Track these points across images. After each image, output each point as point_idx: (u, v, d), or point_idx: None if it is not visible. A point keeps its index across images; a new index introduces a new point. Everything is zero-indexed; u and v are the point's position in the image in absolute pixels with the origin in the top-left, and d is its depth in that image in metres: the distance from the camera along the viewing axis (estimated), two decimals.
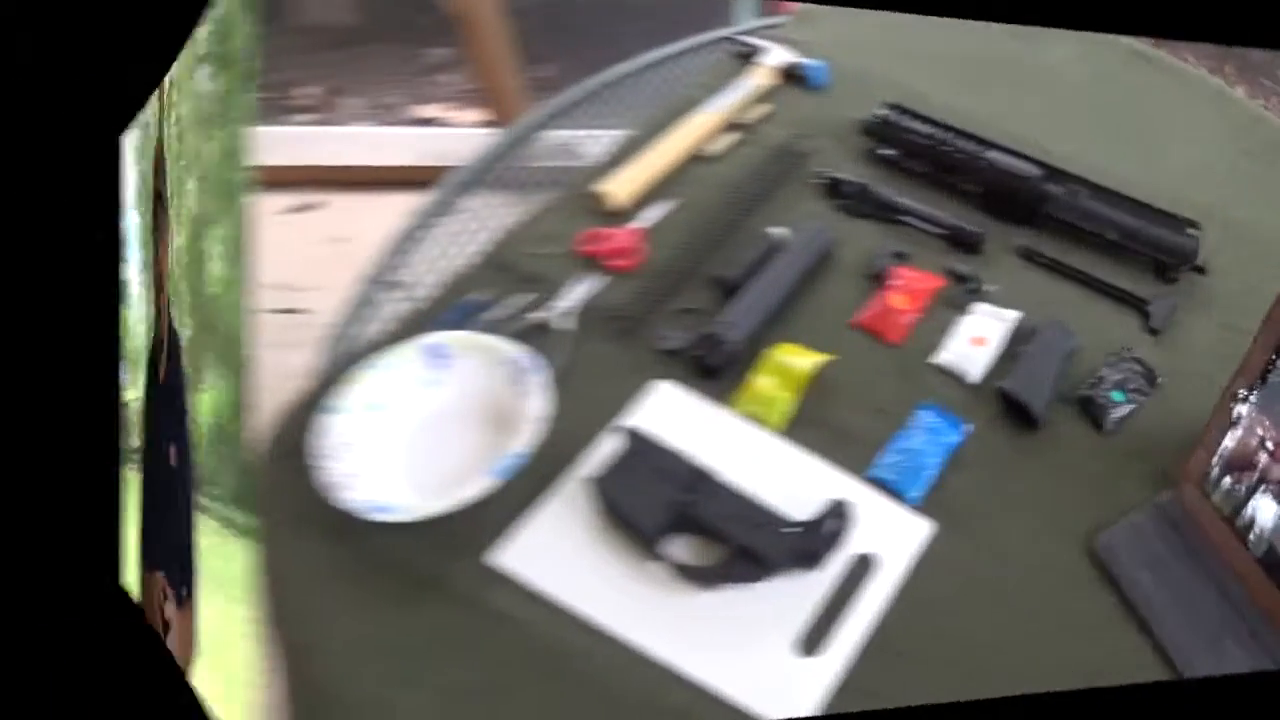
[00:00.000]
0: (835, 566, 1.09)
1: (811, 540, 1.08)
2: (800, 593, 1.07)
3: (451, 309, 1.29)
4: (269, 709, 0.98)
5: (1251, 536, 1.12)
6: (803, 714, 0.98)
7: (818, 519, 1.10)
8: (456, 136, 3.07)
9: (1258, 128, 1.81)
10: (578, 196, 1.49)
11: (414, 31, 3.35)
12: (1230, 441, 1.17)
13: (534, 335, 1.26)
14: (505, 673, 0.98)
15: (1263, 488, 1.12)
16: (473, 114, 3.12)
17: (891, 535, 1.14)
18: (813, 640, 1.04)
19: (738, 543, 1.06)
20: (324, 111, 3.12)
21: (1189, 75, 1.96)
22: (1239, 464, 1.15)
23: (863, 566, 1.11)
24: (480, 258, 1.39)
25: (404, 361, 1.16)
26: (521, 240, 1.42)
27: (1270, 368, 1.14)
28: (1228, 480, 1.16)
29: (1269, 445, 1.12)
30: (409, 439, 1.12)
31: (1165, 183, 1.64)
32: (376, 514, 1.01)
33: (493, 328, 1.25)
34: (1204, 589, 1.14)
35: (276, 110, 2.96)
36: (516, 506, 1.09)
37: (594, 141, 1.72)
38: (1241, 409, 1.17)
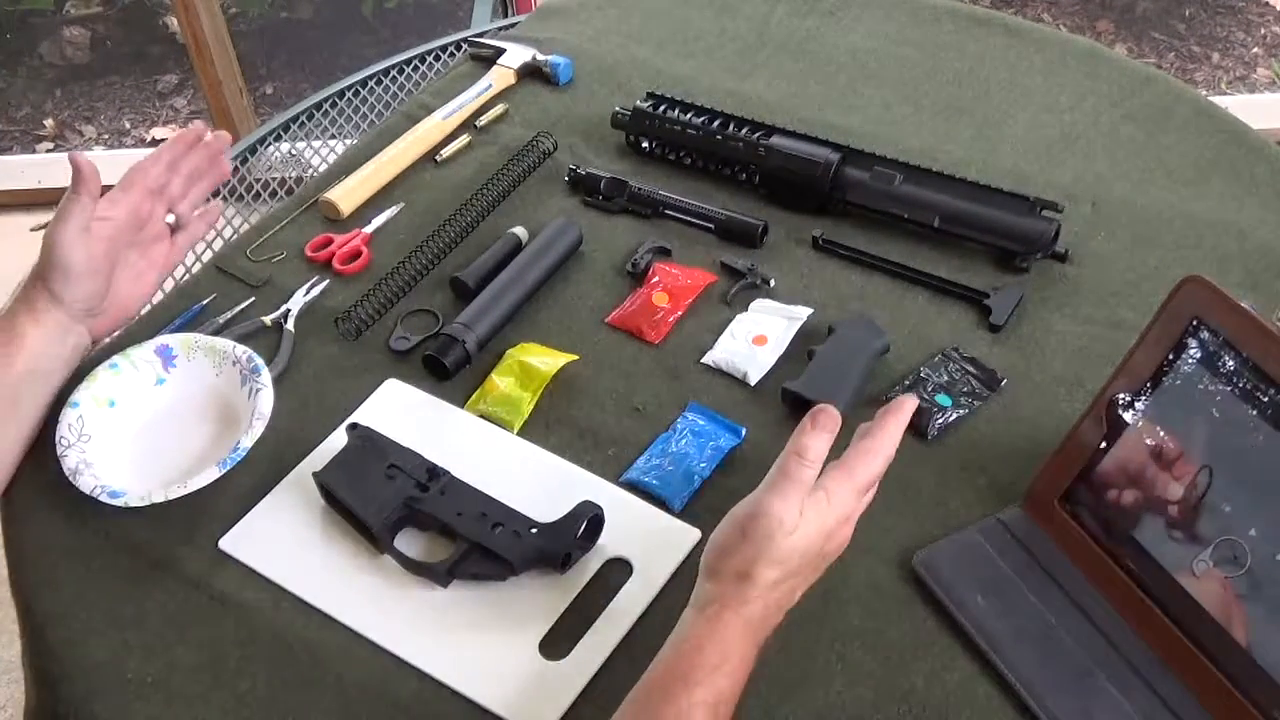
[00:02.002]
0: (586, 570, 1.07)
1: (555, 542, 1.05)
2: (547, 595, 1.05)
3: (183, 313, 1.34)
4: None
5: (1134, 562, 1.00)
6: (543, 715, 0.96)
7: (562, 521, 1.06)
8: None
9: (1145, 89, 1.66)
10: (306, 204, 1.50)
11: (146, 61, 3.76)
12: (1108, 452, 1.03)
13: (262, 337, 1.31)
14: (230, 651, 1.02)
15: (1152, 506, 0.99)
16: None
17: (652, 541, 1.09)
18: (559, 644, 1.02)
19: (470, 541, 1.05)
20: (63, 140, 3.53)
21: (1044, 36, 1.79)
22: (1120, 479, 1.02)
23: (617, 572, 1.07)
24: (211, 265, 1.44)
25: (137, 361, 1.22)
26: (251, 247, 1.44)
27: (1165, 368, 1.00)
28: (1102, 497, 1.03)
29: (1163, 458, 0.99)
30: (141, 432, 1.20)
31: (1016, 160, 1.54)
32: (110, 499, 1.10)
33: (222, 330, 1.31)
34: (1063, 618, 1.01)
35: (21, 141, 3.54)
36: (247, 497, 1.14)
37: (326, 150, 1.81)
38: (1126, 413, 1.02)
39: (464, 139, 1.59)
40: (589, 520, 1.05)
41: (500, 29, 1.90)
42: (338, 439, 1.17)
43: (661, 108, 1.53)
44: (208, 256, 1.52)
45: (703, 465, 1.14)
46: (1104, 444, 1.03)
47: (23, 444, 1.16)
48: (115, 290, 1.22)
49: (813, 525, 0.90)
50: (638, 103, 1.54)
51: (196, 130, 1.32)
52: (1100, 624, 1.00)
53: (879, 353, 1.24)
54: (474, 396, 1.23)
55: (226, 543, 1.10)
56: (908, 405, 0.97)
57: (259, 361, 1.20)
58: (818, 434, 0.92)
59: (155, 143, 3.43)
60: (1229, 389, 0.94)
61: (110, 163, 3.28)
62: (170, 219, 1.31)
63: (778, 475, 0.92)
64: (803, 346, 1.26)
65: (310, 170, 1.74)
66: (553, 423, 1.20)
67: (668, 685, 0.87)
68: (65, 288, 1.17)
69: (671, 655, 0.89)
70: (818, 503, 0.91)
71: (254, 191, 1.74)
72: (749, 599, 0.89)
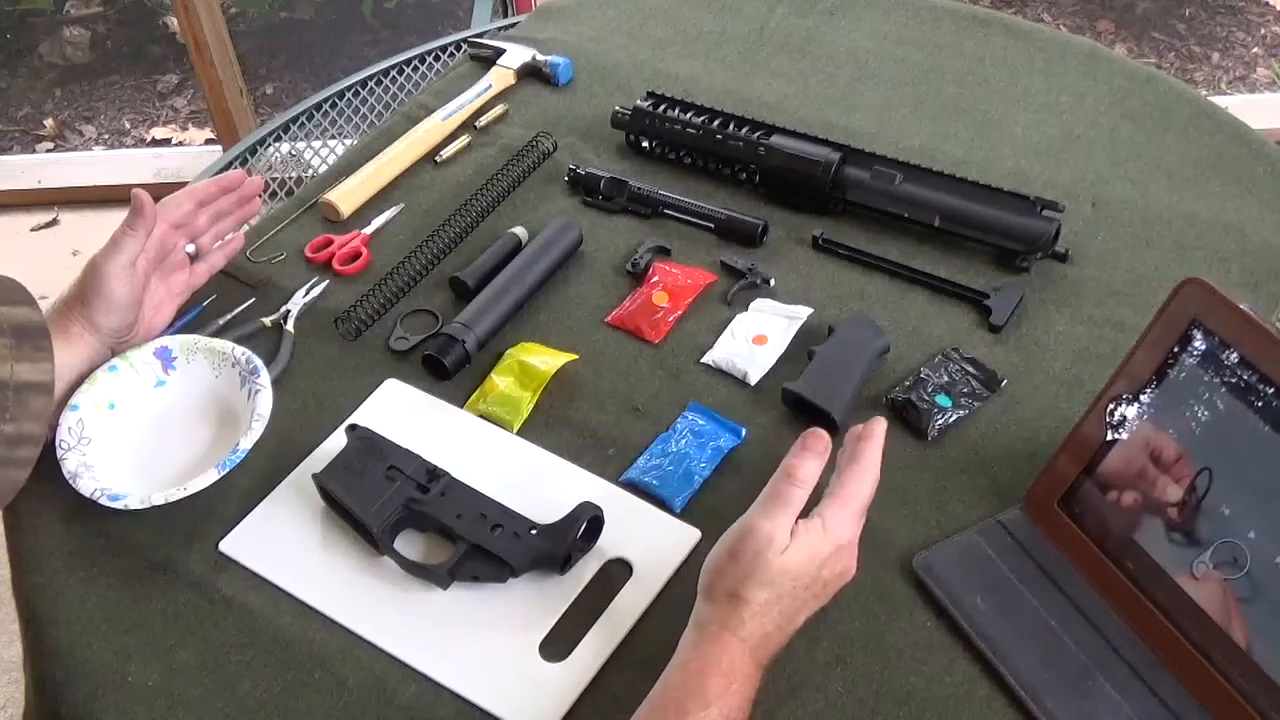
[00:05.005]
0: (586, 571, 1.06)
1: (554, 543, 1.04)
2: (547, 596, 1.05)
3: (183, 314, 1.33)
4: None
5: (1133, 564, 1.00)
6: (543, 718, 0.96)
7: (561, 522, 1.06)
8: (187, 154, 3.37)
9: (1145, 89, 1.65)
10: (306, 205, 1.50)
11: (146, 61, 3.74)
12: (1107, 454, 1.03)
13: (262, 337, 1.31)
14: (230, 654, 1.02)
15: (1152, 508, 0.99)
16: (202, 133, 3.47)
17: (651, 541, 1.09)
18: (558, 645, 1.01)
19: (470, 542, 1.05)
20: (63, 140, 3.52)
21: (1044, 36, 1.79)
22: (1119, 481, 1.02)
23: (617, 572, 1.07)
24: None
25: (136, 364, 1.22)
26: (252, 248, 1.43)
27: (1165, 370, 0.99)
28: (1103, 499, 1.03)
29: (1162, 460, 0.99)
30: (141, 434, 1.20)
31: (1017, 160, 1.54)
32: (110, 501, 1.10)
33: (222, 331, 1.31)
34: (1063, 620, 1.01)
35: (21, 141, 3.52)
36: (247, 499, 1.14)
37: (326, 151, 1.82)
38: (1126, 414, 1.02)
39: (464, 139, 1.58)
40: (589, 521, 1.05)
41: (500, 29, 1.90)
42: (337, 440, 1.17)
43: (661, 107, 1.52)
44: None
45: (703, 465, 1.13)
46: (1104, 445, 1.03)
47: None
48: (139, 318, 1.24)
49: (804, 550, 0.92)
50: (638, 102, 1.54)
51: (235, 177, 1.34)
52: (1100, 625, 1.00)
53: (879, 353, 1.24)
54: (474, 396, 1.22)
55: (227, 545, 1.10)
56: (879, 428, 1.01)
57: (258, 362, 1.20)
58: (807, 456, 0.96)
59: (155, 143, 3.43)
60: (1229, 391, 0.94)
61: (110, 163, 3.31)
62: (190, 249, 1.31)
63: (767, 496, 0.95)
64: (803, 346, 1.25)
65: (310, 171, 1.74)
66: (553, 423, 1.20)
67: (680, 703, 0.87)
68: (106, 317, 1.19)
69: (677, 677, 0.90)
70: (813, 529, 0.94)
71: None
72: (744, 619, 0.90)
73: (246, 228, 1.43)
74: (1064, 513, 1.05)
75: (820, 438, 0.97)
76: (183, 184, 1.70)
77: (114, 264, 1.17)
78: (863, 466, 0.98)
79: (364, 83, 1.91)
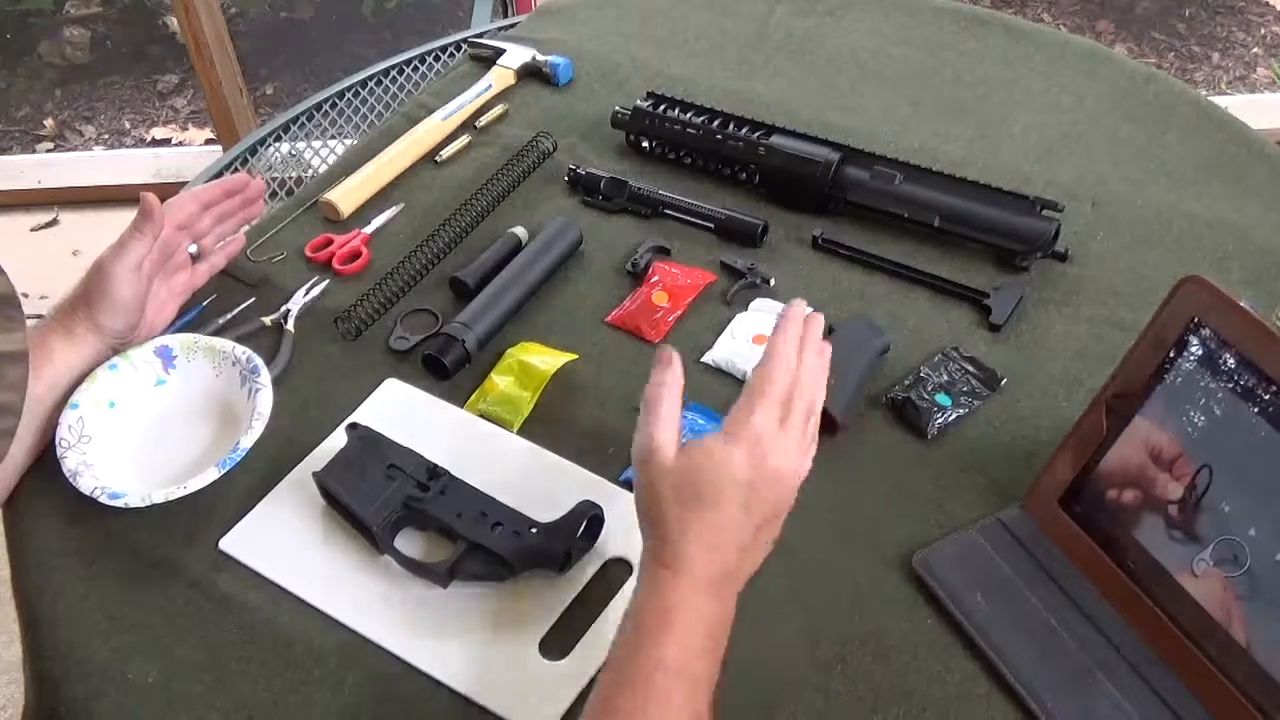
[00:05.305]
0: (586, 570, 1.06)
1: (554, 542, 1.04)
2: (547, 595, 1.05)
3: (184, 313, 1.33)
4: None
5: (1134, 562, 1.00)
6: (543, 715, 0.96)
7: (561, 520, 1.06)
8: (187, 154, 3.37)
9: (1146, 88, 1.66)
10: (307, 205, 1.51)
11: (146, 61, 3.74)
12: (1107, 452, 1.03)
13: (262, 337, 1.31)
14: (230, 652, 1.02)
15: (1152, 506, 0.99)
16: (202, 133, 3.47)
17: None
18: (558, 644, 1.01)
19: (470, 541, 1.05)
20: (63, 140, 3.52)
21: (1044, 36, 1.80)
22: (1119, 479, 1.02)
23: (617, 572, 1.07)
24: None
25: (137, 362, 1.22)
26: (252, 248, 1.43)
27: (1165, 368, 0.99)
28: (1102, 497, 1.03)
29: (1162, 458, 0.99)
30: (142, 433, 1.20)
31: (1017, 160, 1.54)
32: (110, 500, 1.10)
33: (223, 330, 1.31)
34: (1063, 618, 1.01)
35: (21, 141, 3.52)
36: (247, 498, 1.14)
37: (326, 151, 1.82)
38: (1126, 413, 1.01)
39: (464, 139, 1.59)
40: (589, 520, 1.05)
41: (500, 29, 1.90)
42: (337, 439, 1.17)
43: (661, 107, 1.53)
44: None
45: None
46: (1104, 444, 1.03)
47: (34, 455, 1.16)
48: (142, 318, 1.24)
49: (696, 455, 0.89)
50: (638, 102, 1.54)
51: (239, 180, 1.34)
52: (1100, 624, 1.00)
53: (879, 353, 1.24)
54: (474, 396, 1.22)
55: (227, 543, 1.10)
56: (793, 310, 0.98)
57: (258, 361, 1.20)
58: (661, 367, 0.93)
59: (155, 143, 3.43)
60: (1228, 388, 0.94)
61: (110, 163, 3.31)
62: (192, 249, 1.32)
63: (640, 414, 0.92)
64: None
65: (310, 171, 1.74)
66: (552, 422, 1.20)
67: (632, 644, 0.85)
68: (111, 319, 1.19)
69: (625, 625, 0.87)
70: (707, 437, 0.90)
71: None
72: (665, 544, 0.87)
73: (247, 228, 1.43)
74: (1064, 511, 1.05)
75: (665, 349, 0.94)
76: (183, 184, 1.72)
77: (121, 266, 1.18)
78: (766, 363, 0.93)
79: (364, 83, 1.91)
